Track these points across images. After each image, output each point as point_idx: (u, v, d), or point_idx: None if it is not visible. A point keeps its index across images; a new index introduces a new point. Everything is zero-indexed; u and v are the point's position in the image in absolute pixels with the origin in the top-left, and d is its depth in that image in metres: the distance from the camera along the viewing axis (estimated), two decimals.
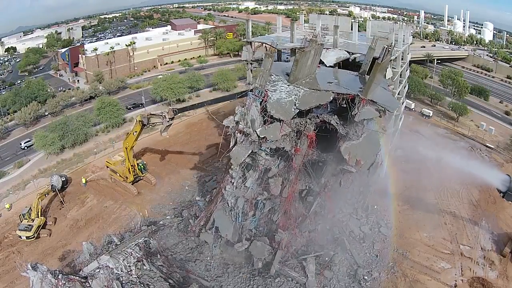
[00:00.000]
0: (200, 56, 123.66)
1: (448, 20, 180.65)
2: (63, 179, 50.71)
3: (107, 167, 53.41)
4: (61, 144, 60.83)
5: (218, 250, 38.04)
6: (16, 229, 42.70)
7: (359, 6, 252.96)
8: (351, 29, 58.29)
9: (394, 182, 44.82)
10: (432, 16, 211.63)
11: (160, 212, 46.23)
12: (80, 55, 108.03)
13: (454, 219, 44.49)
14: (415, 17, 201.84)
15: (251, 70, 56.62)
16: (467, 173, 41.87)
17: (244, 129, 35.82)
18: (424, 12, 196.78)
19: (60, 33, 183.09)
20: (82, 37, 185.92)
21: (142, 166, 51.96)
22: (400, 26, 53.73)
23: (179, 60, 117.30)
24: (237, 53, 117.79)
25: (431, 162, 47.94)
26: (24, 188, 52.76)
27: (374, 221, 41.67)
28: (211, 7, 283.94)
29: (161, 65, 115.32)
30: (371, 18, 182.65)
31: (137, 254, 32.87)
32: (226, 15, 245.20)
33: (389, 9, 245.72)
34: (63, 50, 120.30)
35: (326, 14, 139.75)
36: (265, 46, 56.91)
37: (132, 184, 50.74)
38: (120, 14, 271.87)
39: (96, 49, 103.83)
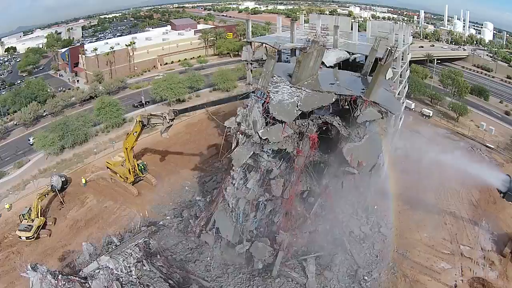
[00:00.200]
0: (200, 56, 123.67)
1: (448, 20, 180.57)
2: (63, 179, 50.65)
3: (108, 167, 53.33)
4: (61, 144, 60.81)
5: (219, 250, 37.98)
6: (16, 229, 42.65)
7: (359, 6, 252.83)
8: (351, 29, 58.24)
9: (394, 182, 44.75)
10: (432, 16, 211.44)
11: (160, 212, 46.17)
12: (80, 55, 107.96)
13: (454, 219, 44.45)
14: (415, 17, 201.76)
15: (251, 70, 56.55)
16: (467, 173, 41.79)
17: (246, 130, 35.69)
18: (424, 12, 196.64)
19: (60, 33, 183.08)
20: (82, 37, 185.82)
21: (142, 167, 51.91)
22: (400, 26, 53.73)
23: (179, 60, 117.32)
24: (237, 53, 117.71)
25: (431, 162, 47.86)
26: (24, 188, 52.72)
27: (374, 222, 41.65)
28: (211, 7, 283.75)
29: (161, 65, 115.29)
30: (371, 18, 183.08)
31: (137, 255, 32.93)
32: (225, 14, 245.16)
33: (389, 9, 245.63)
34: (63, 50, 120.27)
35: (326, 14, 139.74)
36: (265, 46, 56.89)
37: (132, 185, 50.67)
38: (120, 14, 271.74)
39: (96, 49, 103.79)
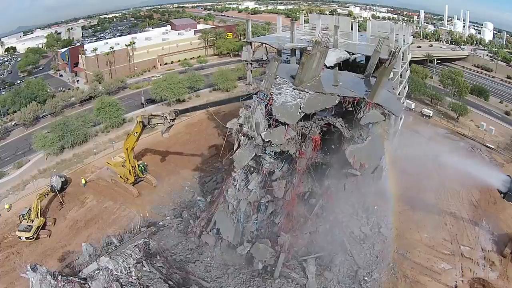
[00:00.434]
0: (200, 56, 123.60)
1: (448, 20, 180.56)
2: (62, 180, 50.56)
3: (108, 168, 53.25)
4: (60, 144, 60.73)
5: (219, 251, 37.91)
6: (15, 229, 42.57)
7: (359, 6, 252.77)
8: (351, 29, 58.22)
9: (394, 182, 44.69)
10: (432, 16, 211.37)
11: (159, 212, 46.10)
12: (79, 55, 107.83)
13: (454, 219, 44.40)
14: (415, 17, 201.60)
15: (251, 70, 56.55)
16: (467, 173, 41.77)
17: (248, 132, 35.47)
18: (424, 12, 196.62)
19: (60, 33, 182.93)
20: (82, 37, 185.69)
21: (142, 167, 51.85)
22: (401, 26, 53.68)
23: (179, 60, 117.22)
24: (237, 53, 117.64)
25: (431, 163, 47.86)
26: (24, 188, 52.65)
27: (374, 222, 41.55)
28: (211, 7, 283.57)
29: (161, 65, 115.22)
30: (371, 18, 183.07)
31: (136, 256, 32.82)
32: (224, 14, 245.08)
33: (389, 9, 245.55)
34: (63, 50, 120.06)
35: (326, 14, 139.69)
36: (265, 46, 56.87)
37: (133, 185, 50.61)
38: (120, 14, 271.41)
39: (95, 49, 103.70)
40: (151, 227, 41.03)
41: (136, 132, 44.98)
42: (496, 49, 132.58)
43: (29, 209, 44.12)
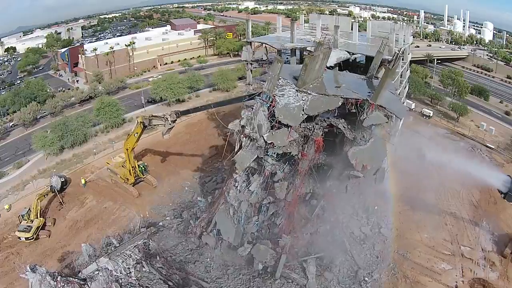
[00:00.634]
0: (200, 56, 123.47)
1: (448, 20, 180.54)
2: (62, 180, 50.49)
3: (108, 169, 53.19)
4: (60, 144, 60.66)
5: (219, 252, 37.83)
6: (15, 230, 42.50)
7: (359, 6, 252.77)
8: (351, 29, 58.16)
9: (394, 182, 44.66)
10: (432, 16, 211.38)
11: (159, 213, 46.04)
12: (79, 55, 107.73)
13: (454, 220, 44.36)
14: (415, 17, 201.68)
15: (251, 70, 56.46)
16: (468, 173, 41.73)
17: (251, 134, 35.18)
18: (424, 12, 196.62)
19: (59, 33, 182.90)
20: (82, 37, 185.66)
21: (143, 168, 51.77)
22: (401, 26, 53.64)
23: (179, 60, 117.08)
24: (237, 53, 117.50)
25: (432, 163, 47.78)
26: (24, 188, 52.59)
27: (374, 222, 41.49)
28: (210, 7, 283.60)
29: (160, 65, 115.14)
30: (371, 18, 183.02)
31: (136, 256, 32.80)
32: (223, 14, 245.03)
33: (389, 9, 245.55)
34: (63, 50, 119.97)
35: (326, 14, 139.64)
36: (265, 46, 56.81)
37: (133, 186, 50.55)
38: (120, 14, 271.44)
39: (95, 49, 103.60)
40: (151, 228, 40.96)
41: (137, 133, 44.85)
42: (496, 49, 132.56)
43: (29, 209, 44.04)
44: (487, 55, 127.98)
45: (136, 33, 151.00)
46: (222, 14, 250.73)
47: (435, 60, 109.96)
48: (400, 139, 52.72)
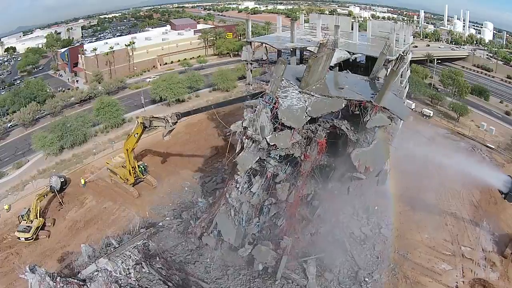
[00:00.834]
0: (199, 56, 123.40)
1: (448, 20, 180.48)
2: (62, 180, 50.41)
3: (108, 169, 53.10)
4: (60, 144, 60.56)
5: (220, 253, 37.70)
6: (15, 230, 42.42)
7: (359, 6, 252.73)
8: (352, 29, 58.06)
9: (394, 183, 44.58)
10: (432, 16, 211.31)
11: (159, 213, 45.94)
12: (79, 55, 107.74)
13: (455, 220, 44.27)
14: (415, 17, 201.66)
15: (251, 70, 56.34)
16: (468, 174, 41.63)
17: (253, 135, 34.88)
18: (424, 12, 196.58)
19: (59, 33, 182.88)
20: (82, 37, 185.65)
21: (143, 168, 51.68)
22: (401, 26, 53.54)
23: (179, 60, 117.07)
24: (237, 53, 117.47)
25: (432, 163, 47.65)
26: (23, 189, 52.52)
27: (375, 222, 41.46)
28: (210, 7, 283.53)
29: (160, 65, 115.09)
30: (371, 18, 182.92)
31: (135, 257, 32.71)
32: (223, 14, 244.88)
33: (389, 9, 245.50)
34: (63, 50, 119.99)
35: (326, 14, 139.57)
36: (265, 46, 56.69)
37: (132, 186, 50.46)
38: (120, 14, 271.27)
39: (95, 49, 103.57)
40: (150, 228, 40.85)
41: (137, 133, 44.74)
42: (496, 49, 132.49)
43: (28, 209, 43.93)
44: (487, 55, 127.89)
45: (136, 33, 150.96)
46: (222, 14, 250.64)
47: (435, 60, 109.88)
48: (400, 139, 52.65)
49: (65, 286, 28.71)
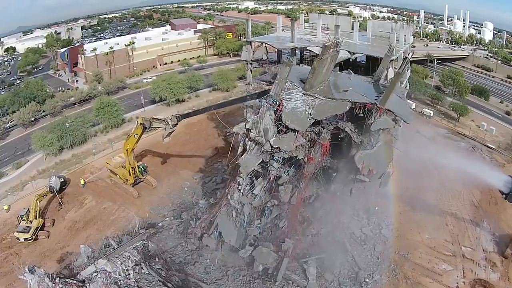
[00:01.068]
0: (199, 56, 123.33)
1: (448, 20, 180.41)
2: (61, 180, 50.30)
3: (108, 169, 52.96)
4: (59, 144, 60.43)
5: (220, 254, 37.55)
6: (14, 230, 42.30)
7: (359, 6, 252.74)
8: (352, 29, 57.95)
9: (395, 183, 44.47)
10: (432, 16, 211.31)
11: (159, 213, 45.80)
12: (79, 55, 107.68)
13: (455, 220, 44.15)
14: (415, 16, 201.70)
15: (251, 70, 56.22)
16: (468, 174, 41.52)
17: (256, 138, 34.52)
18: (424, 12, 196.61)
19: (59, 33, 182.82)
20: (82, 37, 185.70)
21: (142, 168, 51.56)
22: (401, 26, 53.40)
23: (179, 60, 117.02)
24: (237, 53, 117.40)
25: (432, 163, 47.59)
26: (23, 189, 52.37)
27: (375, 223, 41.36)
28: (210, 7, 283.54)
29: (160, 65, 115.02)
30: (371, 18, 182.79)
31: (135, 258, 32.57)
32: (223, 14, 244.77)
33: (389, 9, 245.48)
34: (63, 50, 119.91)
35: (326, 13, 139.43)
36: (265, 46, 56.58)
37: (132, 187, 50.34)
38: (120, 14, 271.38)
39: (95, 49, 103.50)
40: (150, 229, 40.72)
41: (137, 134, 44.59)
42: (496, 49, 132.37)
43: (28, 210, 43.77)
44: (487, 55, 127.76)
45: (136, 33, 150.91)
46: (222, 14, 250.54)
47: (435, 60, 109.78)
48: (400, 140, 52.54)
49: (64, 287, 28.57)
